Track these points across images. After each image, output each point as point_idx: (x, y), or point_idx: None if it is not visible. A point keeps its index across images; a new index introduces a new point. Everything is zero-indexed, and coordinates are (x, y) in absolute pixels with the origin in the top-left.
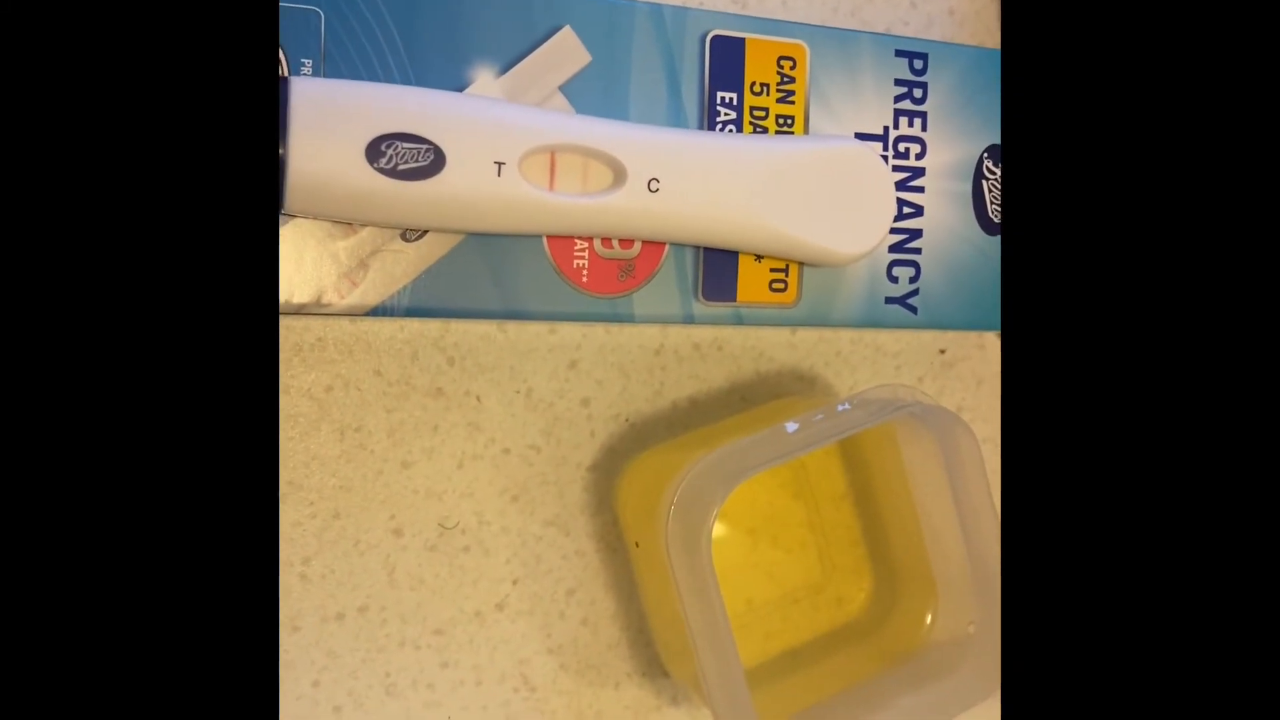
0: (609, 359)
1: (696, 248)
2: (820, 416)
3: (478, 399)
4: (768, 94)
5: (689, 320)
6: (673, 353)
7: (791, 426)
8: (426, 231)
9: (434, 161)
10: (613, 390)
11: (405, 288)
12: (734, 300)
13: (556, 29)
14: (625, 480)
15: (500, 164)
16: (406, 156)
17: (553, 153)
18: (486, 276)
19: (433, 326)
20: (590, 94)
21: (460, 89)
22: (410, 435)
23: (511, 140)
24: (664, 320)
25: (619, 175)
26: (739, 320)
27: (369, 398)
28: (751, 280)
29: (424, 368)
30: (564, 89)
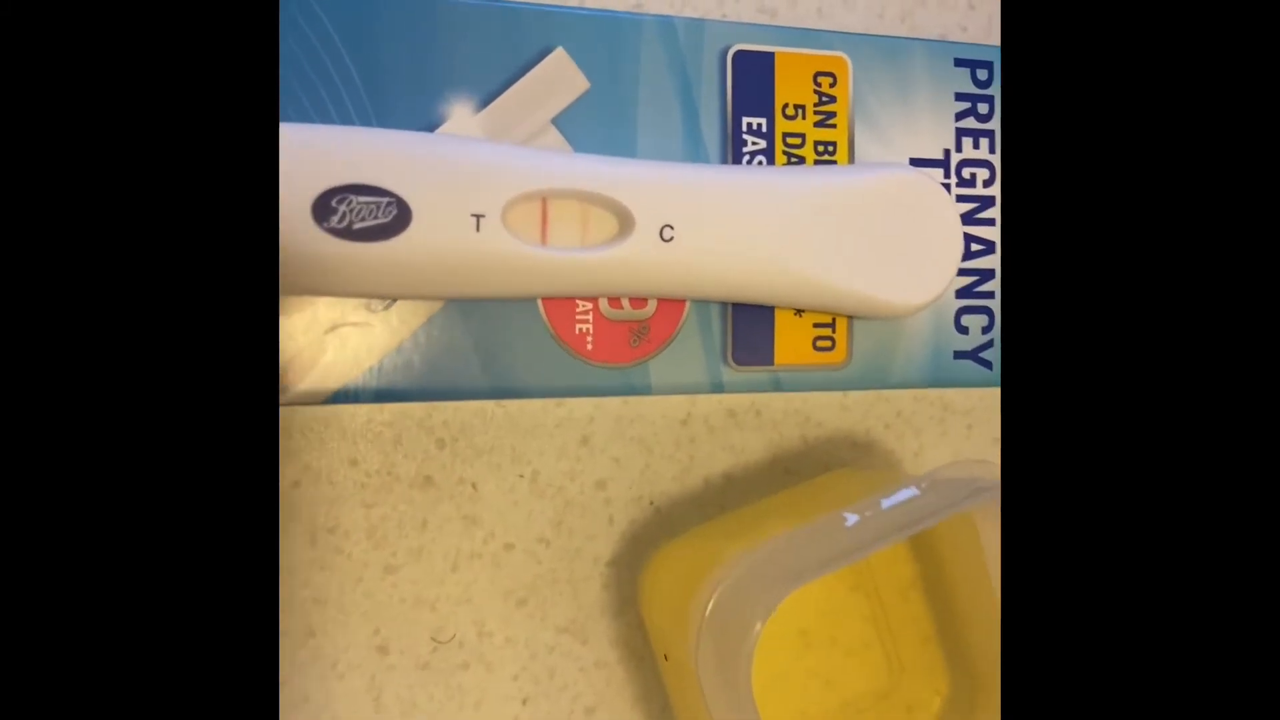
0: (627, 432)
1: (723, 304)
2: (885, 504)
3: (473, 487)
4: (803, 117)
5: (717, 389)
6: (702, 421)
7: (851, 518)
8: (395, 300)
9: (397, 217)
10: (633, 469)
11: (372, 369)
12: (771, 363)
13: (547, 51)
14: (651, 575)
15: (479, 216)
16: (363, 213)
17: (544, 199)
18: (470, 350)
19: (417, 405)
20: (590, 127)
21: (431, 129)
22: (394, 534)
23: (491, 187)
24: (687, 391)
25: (625, 223)
26: (777, 386)
27: (344, 492)
28: (791, 339)
29: (409, 453)
30: (557, 122)
